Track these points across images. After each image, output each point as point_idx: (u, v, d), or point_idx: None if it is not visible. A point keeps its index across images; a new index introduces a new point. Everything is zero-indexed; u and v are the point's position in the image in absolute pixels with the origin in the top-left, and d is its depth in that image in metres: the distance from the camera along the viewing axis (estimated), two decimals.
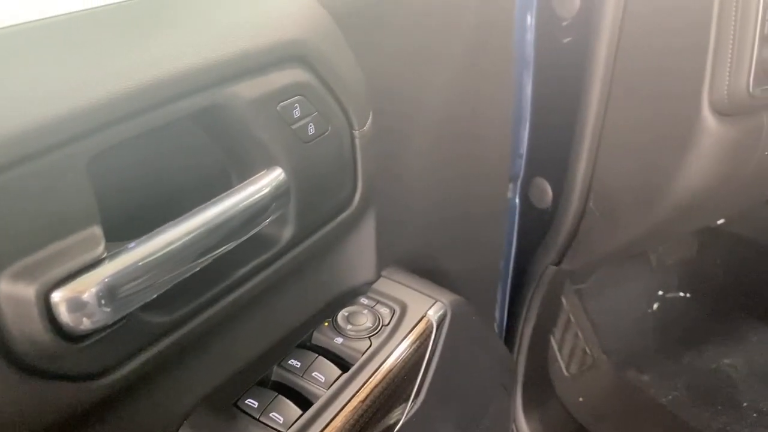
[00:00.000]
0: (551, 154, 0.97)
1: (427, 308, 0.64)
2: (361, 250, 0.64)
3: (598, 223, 0.95)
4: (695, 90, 0.77)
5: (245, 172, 0.48)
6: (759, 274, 1.37)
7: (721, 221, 1.24)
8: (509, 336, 1.12)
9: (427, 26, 0.66)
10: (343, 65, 0.53)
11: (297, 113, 0.49)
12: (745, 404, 1.21)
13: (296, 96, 0.48)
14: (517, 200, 1.06)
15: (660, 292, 1.39)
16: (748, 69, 0.74)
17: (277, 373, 0.56)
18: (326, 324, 0.61)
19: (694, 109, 0.78)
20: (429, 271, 0.79)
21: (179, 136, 0.48)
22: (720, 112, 0.78)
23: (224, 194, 0.46)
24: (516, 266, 1.08)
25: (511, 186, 1.06)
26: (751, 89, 0.74)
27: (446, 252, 0.82)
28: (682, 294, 1.39)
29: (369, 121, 0.57)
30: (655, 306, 1.38)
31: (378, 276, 0.67)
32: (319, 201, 0.53)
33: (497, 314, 1.11)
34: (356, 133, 0.55)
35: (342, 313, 0.62)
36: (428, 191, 0.75)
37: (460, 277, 0.85)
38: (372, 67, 0.60)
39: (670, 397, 1.23)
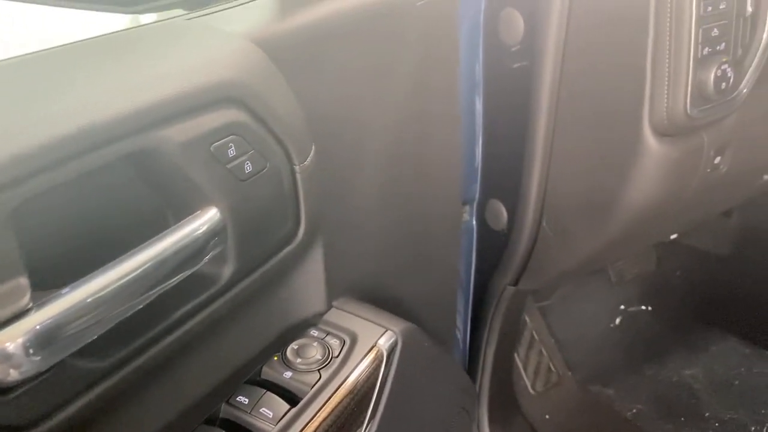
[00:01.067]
0: (505, 176, 0.98)
1: (378, 337, 0.65)
2: (310, 281, 0.64)
3: (553, 243, 0.96)
4: (636, 113, 0.79)
5: (181, 212, 0.48)
6: (717, 285, 1.40)
7: (674, 236, 1.27)
8: (472, 357, 1.13)
9: (370, 56, 0.67)
10: (281, 102, 0.54)
11: (232, 152, 0.49)
12: (707, 414, 1.23)
13: (231, 136, 0.49)
14: (474, 222, 1.07)
15: (622, 307, 1.41)
16: (684, 91, 0.76)
17: (224, 411, 0.56)
18: (275, 358, 0.61)
19: (635, 131, 0.80)
20: (384, 299, 0.79)
21: (113, 177, 0.48)
22: (661, 133, 0.80)
23: (158, 236, 0.46)
24: (476, 287, 1.09)
25: (468, 208, 1.07)
26: (688, 110, 0.77)
27: (401, 278, 0.83)
28: (643, 307, 1.42)
29: (311, 155, 0.58)
30: (618, 320, 1.40)
31: (329, 306, 0.67)
32: (260, 237, 0.54)
33: (459, 336, 1.12)
34: (297, 168, 0.56)
35: (291, 347, 0.62)
36: (380, 218, 0.76)
37: (417, 302, 0.86)
38: (315, 98, 0.60)
39: (635, 410, 1.24)
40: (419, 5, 0.72)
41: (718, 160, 0.86)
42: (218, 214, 0.48)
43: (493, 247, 1.05)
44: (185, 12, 0.56)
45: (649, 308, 1.41)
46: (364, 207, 0.72)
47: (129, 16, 0.77)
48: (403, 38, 0.71)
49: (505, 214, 1.01)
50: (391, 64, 0.70)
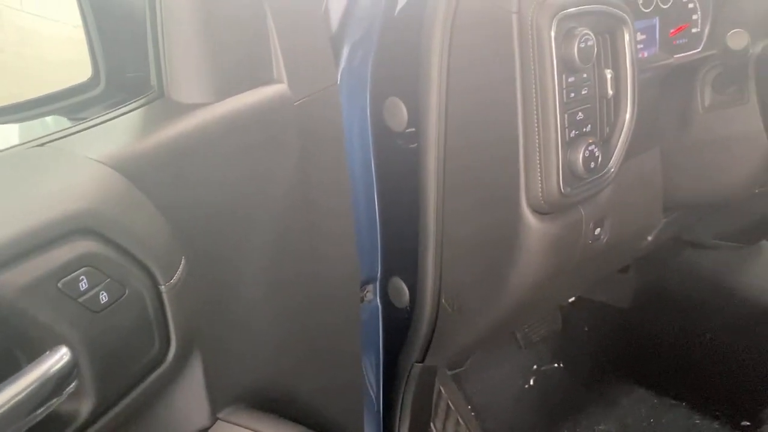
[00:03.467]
0: (404, 254, 1.00)
1: None
2: (190, 397, 0.62)
3: (452, 319, 0.98)
4: (514, 194, 0.82)
5: (31, 353, 0.46)
6: (622, 338, 1.45)
7: (572, 299, 1.31)
8: None
9: (247, 160, 0.67)
10: (141, 224, 0.53)
11: (84, 285, 0.47)
12: None
13: (83, 268, 0.47)
14: (378, 301, 1.07)
15: (534, 367, 1.43)
16: (556, 172, 0.80)
17: None
18: None
19: (516, 211, 0.83)
20: (282, 399, 0.78)
21: None
22: (539, 212, 0.83)
23: (5, 382, 0.43)
24: (385, 367, 1.08)
25: (371, 287, 1.08)
26: (562, 189, 0.80)
27: (300, 373, 0.81)
28: (555, 365, 1.45)
29: (179, 271, 0.56)
30: (532, 381, 1.42)
31: (214, 420, 0.65)
32: (122, 368, 0.51)
33: (372, 417, 1.10)
34: (163, 288, 0.54)
35: None
36: (270, 316, 0.75)
37: (319, 395, 0.84)
38: (186, 211, 0.60)
39: None
40: (297, 105, 0.73)
41: (598, 231, 0.90)
42: (68, 354, 0.46)
43: (398, 325, 1.05)
44: (35, 138, 0.54)
45: (561, 365, 1.44)
46: (251, 308, 0.71)
47: None
48: (282, 138, 0.71)
49: (406, 291, 1.02)
50: (270, 164, 0.70)
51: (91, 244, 0.48)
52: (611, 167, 0.85)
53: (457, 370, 1.32)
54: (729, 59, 0.97)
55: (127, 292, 0.51)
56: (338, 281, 0.87)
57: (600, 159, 0.82)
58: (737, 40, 0.92)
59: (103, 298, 0.49)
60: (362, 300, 1.06)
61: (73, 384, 0.47)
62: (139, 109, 0.63)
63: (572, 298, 1.28)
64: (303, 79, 0.74)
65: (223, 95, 0.64)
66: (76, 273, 0.47)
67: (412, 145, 0.91)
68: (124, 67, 0.77)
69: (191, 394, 0.62)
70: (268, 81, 0.70)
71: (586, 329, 1.47)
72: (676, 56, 1.08)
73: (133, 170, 0.54)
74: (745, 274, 1.51)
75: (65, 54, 0.98)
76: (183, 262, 0.57)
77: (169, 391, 0.60)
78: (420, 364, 1.06)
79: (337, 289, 0.87)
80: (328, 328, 0.86)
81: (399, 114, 0.92)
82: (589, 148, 0.81)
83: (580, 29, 0.77)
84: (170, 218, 0.57)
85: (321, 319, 0.84)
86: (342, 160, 0.84)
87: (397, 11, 0.90)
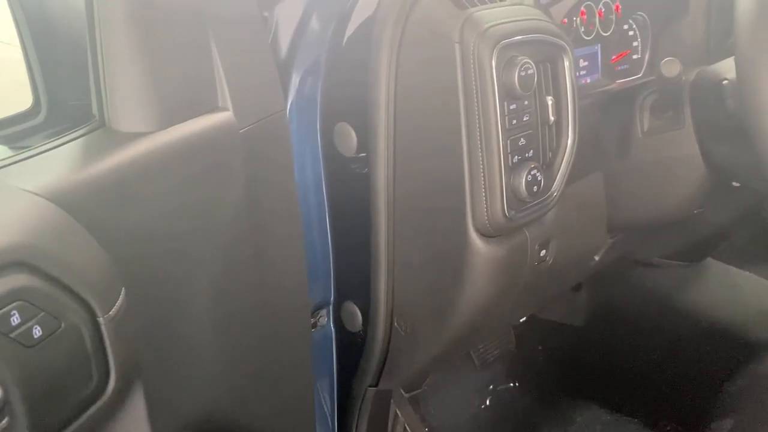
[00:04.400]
0: (356, 278, 1.00)
1: None
2: (132, 428, 0.61)
3: (405, 341, 0.98)
4: (461, 219, 0.84)
5: None
6: (575, 356, 1.47)
7: (524, 318, 1.33)
8: None
9: (191, 188, 0.67)
10: (78, 256, 0.52)
11: (16, 320, 0.47)
12: None
13: (15, 302, 0.47)
14: (331, 326, 1.07)
15: (490, 387, 1.45)
16: (501, 197, 0.81)
17: None
18: None
19: (463, 235, 0.84)
20: (231, 427, 0.77)
21: None
22: (486, 235, 0.85)
23: None
24: (339, 392, 1.08)
25: (324, 312, 1.08)
26: (507, 213, 0.82)
27: (249, 401, 0.81)
28: (511, 385, 1.46)
29: (119, 302, 0.56)
30: (488, 401, 1.43)
31: None
32: (57, 402, 0.51)
33: None
34: (101, 319, 0.54)
35: None
36: (218, 342, 0.74)
37: (270, 424, 0.84)
38: (128, 241, 0.59)
39: None
40: (242, 132, 0.73)
41: (543, 253, 0.92)
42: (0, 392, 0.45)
43: (351, 350, 1.05)
44: None
45: (516, 384, 1.46)
46: (197, 338, 0.70)
47: None
48: (228, 166, 0.71)
49: (359, 315, 1.03)
50: (215, 193, 0.70)
51: (23, 277, 0.47)
52: (554, 191, 0.87)
53: (414, 392, 1.32)
54: (664, 86, 1.01)
55: (63, 325, 0.50)
56: (288, 308, 0.87)
57: (543, 183, 0.84)
58: (670, 68, 0.96)
59: (37, 332, 0.48)
60: (315, 325, 1.06)
61: (5, 420, 0.46)
62: (80, 139, 0.62)
63: (524, 318, 1.30)
64: (249, 106, 0.74)
65: (165, 124, 0.64)
66: (7, 308, 0.46)
67: (363, 170, 0.93)
68: (66, 96, 0.77)
69: (133, 427, 0.61)
70: (213, 109, 0.71)
71: (540, 348, 1.49)
72: (617, 82, 1.12)
73: (71, 201, 0.54)
74: (691, 291, 1.56)
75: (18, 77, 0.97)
76: (123, 292, 0.57)
77: (109, 424, 0.58)
78: (374, 388, 1.06)
79: (287, 316, 0.87)
80: (279, 355, 0.86)
81: (349, 139, 0.93)
82: (532, 173, 0.83)
83: (520, 58, 0.79)
84: (111, 249, 0.57)
85: (271, 346, 0.83)
86: (291, 186, 0.84)
87: (345, 40, 0.92)
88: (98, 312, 0.53)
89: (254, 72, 0.77)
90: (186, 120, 0.66)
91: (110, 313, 0.54)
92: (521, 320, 1.31)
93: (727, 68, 0.99)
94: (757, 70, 0.85)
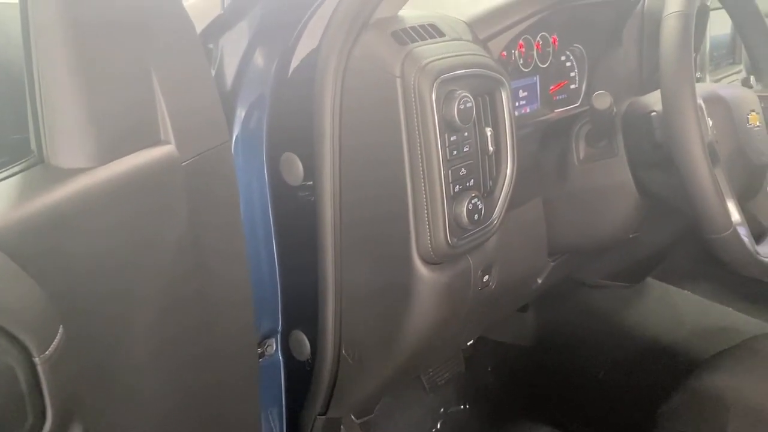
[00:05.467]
0: (304, 306, 1.01)
1: None
2: None
3: (353, 369, 0.99)
4: (405, 247, 0.85)
5: None
6: (524, 377, 1.50)
7: (470, 342, 1.35)
8: None
9: (132, 223, 0.66)
10: (11, 295, 0.52)
11: None
12: None
13: None
14: (279, 355, 1.07)
15: (442, 409, 1.46)
16: (443, 224, 0.84)
17: None
18: None
19: (408, 262, 0.86)
20: None
21: None
22: (429, 262, 0.87)
23: None
24: (288, 421, 1.08)
25: (272, 341, 1.08)
26: (449, 241, 0.84)
27: None
28: (461, 407, 1.48)
29: (56, 341, 0.55)
30: (439, 424, 1.44)
31: None
32: None
33: None
34: (37, 360, 0.53)
35: None
36: (159, 383, 0.73)
37: None
38: (66, 278, 0.59)
39: None
40: (185, 165, 0.73)
41: (486, 278, 0.95)
42: None
43: (300, 378, 1.05)
44: None
45: (467, 406, 1.48)
46: (139, 376, 0.69)
47: None
48: (170, 200, 0.71)
49: (307, 344, 1.03)
50: (157, 228, 0.69)
51: None
52: (495, 218, 0.90)
53: (365, 418, 1.32)
54: (597, 117, 1.06)
55: None
56: (234, 344, 0.87)
57: (483, 211, 0.87)
58: (601, 101, 1.01)
59: None
60: (263, 354, 1.06)
61: None
62: (17, 176, 0.61)
63: (472, 341, 1.32)
64: (192, 138, 0.74)
65: (105, 159, 0.64)
66: None
67: (311, 199, 0.93)
68: (5, 130, 0.76)
69: None
70: (155, 142, 0.70)
71: (489, 369, 1.52)
72: (556, 111, 1.16)
73: (7, 239, 0.53)
74: (633, 310, 1.61)
75: None
76: (60, 332, 0.56)
77: None
78: (323, 417, 1.06)
79: (233, 352, 0.87)
80: (224, 391, 0.85)
81: (295, 168, 0.94)
82: (473, 201, 0.85)
83: (459, 92, 0.82)
84: (49, 287, 0.56)
85: (216, 381, 0.83)
86: (236, 218, 0.84)
87: (290, 72, 0.93)
88: (34, 352, 0.52)
89: (197, 104, 0.77)
90: (127, 154, 0.66)
91: (47, 352, 0.54)
92: (469, 343, 1.33)
93: (655, 100, 1.05)
94: (679, 103, 0.90)
